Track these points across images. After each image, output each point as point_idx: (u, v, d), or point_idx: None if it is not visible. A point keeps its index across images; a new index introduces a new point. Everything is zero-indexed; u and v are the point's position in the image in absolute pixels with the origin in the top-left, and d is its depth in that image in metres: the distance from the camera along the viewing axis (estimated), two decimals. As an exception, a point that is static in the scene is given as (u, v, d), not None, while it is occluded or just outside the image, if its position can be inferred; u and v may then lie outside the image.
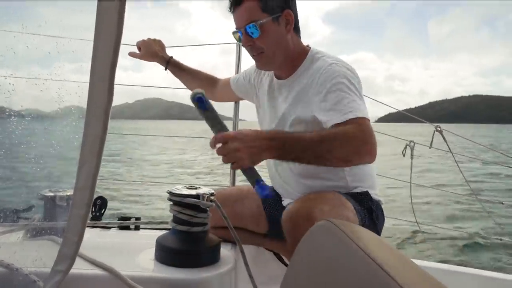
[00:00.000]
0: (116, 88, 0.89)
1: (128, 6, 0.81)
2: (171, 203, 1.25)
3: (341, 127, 1.16)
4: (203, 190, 1.25)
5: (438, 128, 1.88)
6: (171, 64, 1.77)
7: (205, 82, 1.78)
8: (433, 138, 1.89)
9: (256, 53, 1.39)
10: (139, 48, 1.77)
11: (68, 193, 1.42)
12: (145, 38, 1.76)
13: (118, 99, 0.94)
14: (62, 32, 0.93)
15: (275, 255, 1.61)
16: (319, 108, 1.27)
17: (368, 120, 1.20)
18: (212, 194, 1.22)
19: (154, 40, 1.77)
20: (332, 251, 0.64)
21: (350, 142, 1.12)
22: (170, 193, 1.24)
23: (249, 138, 1.07)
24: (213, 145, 1.07)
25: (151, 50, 1.75)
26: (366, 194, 1.38)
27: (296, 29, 1.42)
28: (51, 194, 1.38)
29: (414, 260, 1.65)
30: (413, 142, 1.86)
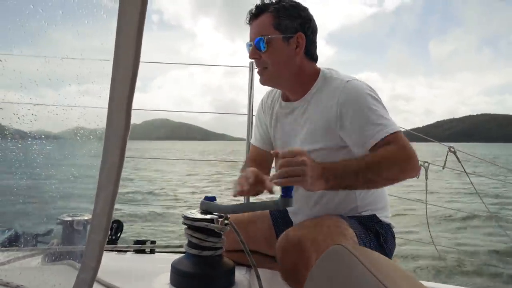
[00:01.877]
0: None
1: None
2: (186, 226, 1.27)
3: (382, 148, 1.18)
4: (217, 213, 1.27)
5: (452, 149, 1.86)
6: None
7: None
8: (446, 158, 1.87)
9: (260, 68, 1.42)
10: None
11: (86, 218, 1.45)
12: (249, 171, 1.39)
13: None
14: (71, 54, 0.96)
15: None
16: (349, 130, 1.27)
17: (401, 132, 1.22)
18: (226, 218, 1.23)
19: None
20: (344, 276, 0.64)
21: (396, 162, 1.16)
22: (185, 217, 1.26)
23: (313, 165, 1.10)
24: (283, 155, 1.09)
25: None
26: (373, 218, 1.37)
27: (310, 55, 1.42)
28: (69, 218, 1.41)
29: (427, 282, 1.62)
30: (427, 162, 1.84)
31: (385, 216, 1.41)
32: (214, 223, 1.20)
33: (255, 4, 1.39)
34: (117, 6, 0.93)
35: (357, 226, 1.29)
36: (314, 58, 1.43)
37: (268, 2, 1.39)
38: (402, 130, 1.27)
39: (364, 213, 1.37)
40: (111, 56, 0.91)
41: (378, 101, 1.27)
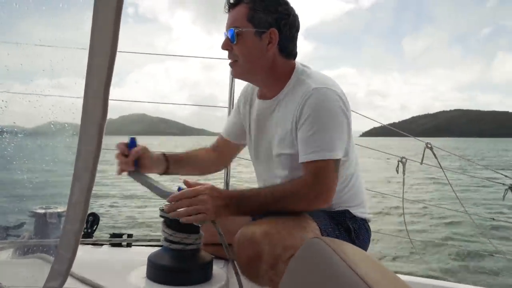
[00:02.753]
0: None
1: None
2: (163, 220, 1.24)
3: (292, 181, 1.24)
4: None
5: (429, 145, 1.89)
6: (170, 164, 1.46)
7: (210, 160, 1.63)
8: (424, 154, 1.90)
9: (231, 60, 1.38)
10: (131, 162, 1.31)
11: (59, 210, 1.41)
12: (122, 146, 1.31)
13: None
14: (42, 46, 0.93)
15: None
16: (298, 138, 1.29)
17: (333, 161, 1.22)
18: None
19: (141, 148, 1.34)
20: (320, 267, 0.65)
21: (302, 198, 1.21)
22: (162, 210, 1.23)
23: (215, 195, 1.15)
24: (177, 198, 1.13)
25: (151, 159, 1.38)
26: (345, 213, 1.37)
27: (287, 52, 1.37)
28: (42, 210, 1.37)
29: (403, 275, 1.65)
30: (404, 158, 1.87)
31: (361, 212, 1.41)
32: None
33: None
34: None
35: (324, 220, 1.30)
36: (291, 55, 1.39)
37: None
38: (378, 125, 1.28)
39: (337, 209, 1.38)
40: (86, 46, 0.89)
41: (337, 118, 1.25)
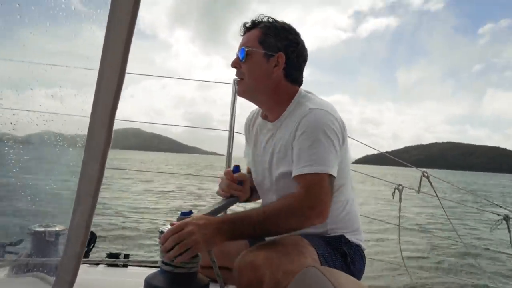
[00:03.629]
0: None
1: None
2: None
3: (284, 198, 1.23)
4: None
5: (425, 174, 1.91)
6: (254, 192, 1.59)
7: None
8: (420, 183, 1.92)
9: (238, 77, 1.45)
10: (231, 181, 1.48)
11: (58, 228, 1.42)
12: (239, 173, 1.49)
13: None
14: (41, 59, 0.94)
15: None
16: (293, 154, 1.31)
17: (327, 175, 1.23)
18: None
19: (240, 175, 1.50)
20: None
21: (295, 213, 1.19)
22: (161, 232, 1.24)
23: (202, 223, 1.13)
24: (165, 239, 1.12)
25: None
26: (341, 238, 1.38)
27: (292, 78, 1.43)
28: (42, 229, 1.38)
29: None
30: (401, 185, 1.89)
31: (356, 238, 1.43)
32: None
33: (250, 20, 1.46)
34: (85, 9, 0.93)
35: (321, 245, 1.30)
36: (296, 81, 1.45)
37: (264, 19, 1.45)
38: (371, 153, 1.29)
39: (333, 234, 1.39)
40: (79, 63, 0.91)
41: (330, 137, 1.27)
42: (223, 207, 1.39)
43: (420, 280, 5.69)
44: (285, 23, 1.45)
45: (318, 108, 1.32)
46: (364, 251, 1.46)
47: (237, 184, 1.47)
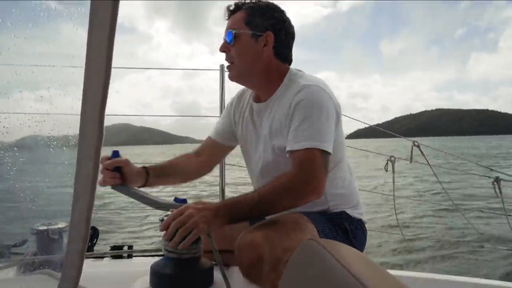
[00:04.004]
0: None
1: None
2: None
3: (278, 177, 1.23)
4: None
5: (416, 143, 1.94)
6: (151, 176, 1.46)
7: (191, 166, 1.62)
8: (412, 152, 1.95)
9: (228, 62, 1.44)
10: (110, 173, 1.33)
11: (60, 226, 1.45)
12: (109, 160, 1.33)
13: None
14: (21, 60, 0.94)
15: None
16: (290, 129, 1.30)
17: (321, 151, 1.22)
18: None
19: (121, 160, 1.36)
20: (315, 269, 0.67)
21: (289, 192, 1.20)
22: (162, 220, 1.27)
23: (200, 207, 1.16)
24: (167, 225, 1.14)
25: (132, 171, 1.38)
26: (342, 214, 1.40)
27: (282, 56, 1.43)
28: (44, 227, 1.41)
29: (397, 271, 1.70)
30: (393, 157, 1.92)
31: (357, 213, 1.45)
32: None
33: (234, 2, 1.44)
34: (65, 8, 0.93)
35: (322, 221, 1.33)
36: (286, 59, 1.45)
37: (247, 1, 1.43)
38: (363, 127, 1.31)
39: (334, 211, 1.42)
40: (63, 62, 0.91)
41: (324, 113, 1.27)
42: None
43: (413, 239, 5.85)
44: (269, 2, 1.43)
45: (312, 84, 1.32)
46: (365, 225, 1.48)
47: (114, 171, 1.33)
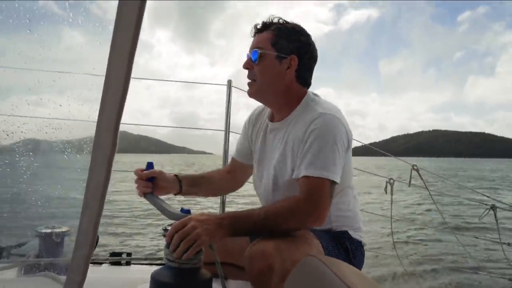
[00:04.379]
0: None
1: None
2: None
3: (286, 199, 1.28)
4: None
5: (415, 167, 1.97)
6: (183, 186, 1.53)
7: (224, 181, 1.71)
8: (411, 176, 1.98)
9: (250, 79, 1.46)
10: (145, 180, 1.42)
11: (64, 229, 1.47)
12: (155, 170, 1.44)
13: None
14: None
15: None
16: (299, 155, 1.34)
17: (329, 181, 1.26)
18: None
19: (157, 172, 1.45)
20: (316, 284, 0.69)
21: (295, 216, 1.24)
22: (165, 229, 1.30)
23: (204, 218, 1.19)
24: (171, 236, 1.17)
25: (166, 180, 1.48)
26: (344, 234, 1.43)
27: (302, 80, 1.46)
28: (48, 230, 1.43)
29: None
30: (392, 179, 1.95)
31: (358, 235, 1.48)
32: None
33: (261, 21, 1.46)
34: (89, 22, 0.97)
35: (326, 238, 1.36)
36: (306, 83, 1.48)
37: (275, 21, 1.45)
38: (359, 144, 1.33)
39: (337, 229, 1.44)
40: (63, 67, 0.94)
41: (337, 143, 1.31)
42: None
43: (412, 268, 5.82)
44: (296, 25, 1.46)
45: (328, 113, 1.35)
46: (364, 248, 1.51)
47: (148, 181, 1.41)
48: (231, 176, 1.73)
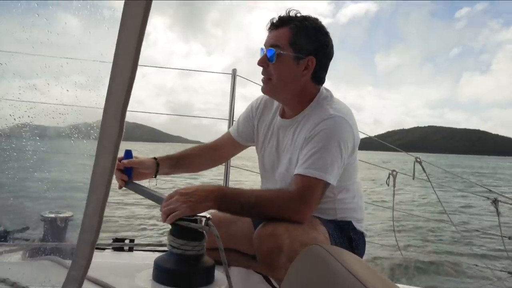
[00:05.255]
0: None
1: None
2: (170, 226, 1.32)
3: (279, 190, 1.34)
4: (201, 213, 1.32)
5: (418, 159, 1.97)
6: (160, 166, 1.54)
7: (206, 157, 1.71)
8: (414, 168, 1.97)
9: (265, 77, 1.42)
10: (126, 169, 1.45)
11: (68, 214, 1.48)
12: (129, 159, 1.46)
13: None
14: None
15: (264, 277, 1.67)
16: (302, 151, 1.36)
17: (324, 182, 1.28)
18: (208, 219, 1.29)
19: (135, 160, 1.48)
20: (321, 273, 0.69)
21: (282, 209, 1.27)
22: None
23: (190, 190, 1.23)
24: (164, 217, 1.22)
25: (143, 164, 1.50)
26: (348, 224, 1.46)
27: (317, 79, 1.44)
28: (52, 215, 1.44)
29: (399, 285, 1.73)
30: (395, 171, 1.96)
31: (361, 226, 1.51)
32: (197, 222, 1.26)
33: (279, 15, 1.40)
34: (97, 5, 0.97)
35: (331, 226, 1.38)
36: (320, 82, 1.46)
37: (293, 16, 1.39)
38: (363, 136, 1.33)
39: (342, 219, 1.46)
40: (58, 51, 0.94)
41: (341, 147, 1.31)
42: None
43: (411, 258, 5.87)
44: (316, 22, 1.40)
45: (338, 115, 1.34)
46: (365, 238, 1.54)
47: (126, 171, 1.44)
48: (217, 153, 1.73)
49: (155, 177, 1.53)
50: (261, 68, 1.44)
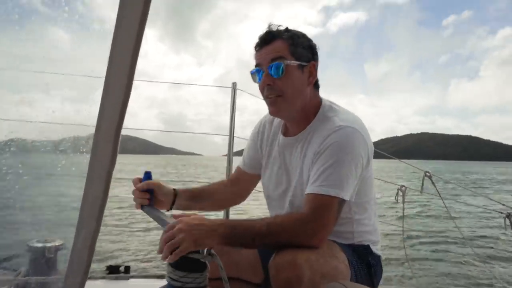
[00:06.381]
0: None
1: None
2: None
3: (291, 215, 1.22)
4: None
5: (428, 174, 1.89)
6: (181, 199, 1.45)
7: (227, 193, 1.61)
8: (423, 183, 1.90)
9: (273, 95, 1.31)
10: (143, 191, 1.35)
11: (57, 243, 1.37)
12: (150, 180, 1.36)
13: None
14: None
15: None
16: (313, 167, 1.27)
17: (338, 200, 1.19)
18: (211, 247, 1.19)
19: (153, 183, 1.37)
20: None
21: (298, 234, 1.16)
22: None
23: (195, 222, 1.10)
24: (163, 244, 1.07)
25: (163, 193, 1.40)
26: (366, 248, 1.37)
27: (317, 85, 1.38)
28: (40, 245, 1.33)
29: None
30: (404, 186, 1.87)
31: (376, 249, 1.41)
32: (199, 252, 1.16)
33: (265, 31, 1.32)
34: (91, 23, 0.89)
35: (349, 251, 1.29)
36: (317, 86, 1.40)
37: (279, 29, 1.32)
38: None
39: (359, 243, 1.37)
40: (44, 66, 0.86)
41: (354, 160, 1.23)
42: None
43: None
44: (298, 30, 1.36)
45: (347, 125, 1.26)
46: (382, 262, 1.45)
47: (145, 192, 1.34)
48: (236, 188, 1.63)
49: (170, 209, 1.41)
50: (253, 83, 1.37)
